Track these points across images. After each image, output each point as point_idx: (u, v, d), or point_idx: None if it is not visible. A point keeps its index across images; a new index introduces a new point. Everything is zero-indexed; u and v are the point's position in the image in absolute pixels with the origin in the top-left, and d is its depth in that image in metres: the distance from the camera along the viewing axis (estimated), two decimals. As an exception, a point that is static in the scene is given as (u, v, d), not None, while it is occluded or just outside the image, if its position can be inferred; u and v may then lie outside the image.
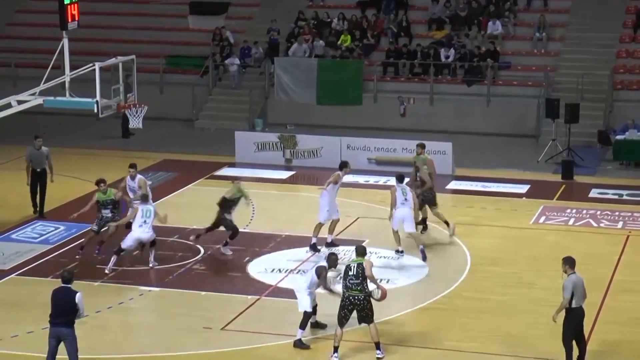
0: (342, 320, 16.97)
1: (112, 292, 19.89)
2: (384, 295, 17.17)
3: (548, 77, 34.56)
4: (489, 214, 25.41)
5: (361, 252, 17.35)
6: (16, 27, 41.27)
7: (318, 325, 18.17)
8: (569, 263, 16.57)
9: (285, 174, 29.48)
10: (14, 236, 23.54)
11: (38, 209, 25.06)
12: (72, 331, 15.67)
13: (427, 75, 35.65)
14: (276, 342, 17.82)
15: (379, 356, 17.06)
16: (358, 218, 24.73)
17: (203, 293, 19.97)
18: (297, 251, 22.43)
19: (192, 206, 25.86)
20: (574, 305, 16.31)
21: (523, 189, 27.69)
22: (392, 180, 26.10)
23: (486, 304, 19.55)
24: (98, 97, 22.34)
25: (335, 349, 16.98)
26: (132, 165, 22.98)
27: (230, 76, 37.19)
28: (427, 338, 17.91)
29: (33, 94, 23.04)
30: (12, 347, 17.38)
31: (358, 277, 16.90)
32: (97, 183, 22.20)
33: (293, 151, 30.60)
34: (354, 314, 17.00)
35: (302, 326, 17.57)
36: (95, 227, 21.97)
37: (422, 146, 24.30)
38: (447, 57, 35.97)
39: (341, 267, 17.58)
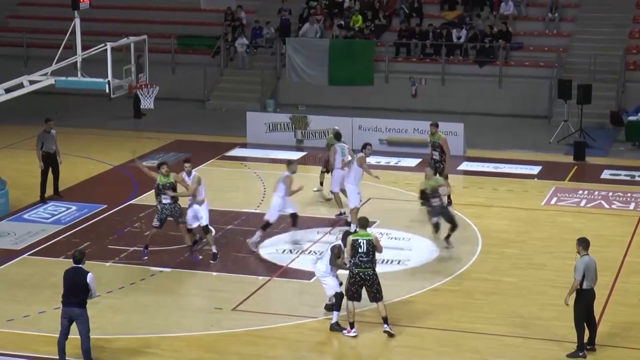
0: (354, 296, 17.04)
1: (123, 273, 19.95)
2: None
3: (560, 58, 34.44)
4: (500, 195, 25.37)
5: (364, 224, 17.34)
6: (28, 7, 41.29)
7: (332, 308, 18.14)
8: (583, 244, 16.57)
9: (296, 155, 29.44)
10: (25, 216, 23.60)
11: (54, 189, 25.08)
12: (84, 311, 15.73)
13: (439, 55, 35.56)
14: (287, 322, 17.85)
15: (387, 329, 17.17)
16: (369, 199, 24.71)
17: (214, 274, 20.00)
18: (308, 232, 22.44)
19: (203, 187, 25.82)
20: (585, 286, 16.30)
21: (535, 170, 27.65)
22: (404, 161, 26.31)
23: (497, 285, 19.54)
24: (110, 78, 22.28)
25: (352, 325, 17.11)
26: (188, 160, 21.29)
27: (239, 57, 37.13)
28: (438, 319, 17.93)
29: (45, 74, 23.01)
30: (24, 327, 17.44)
31: (368, 254, 16.96)
32: (159, 166, 20.76)
33: (304, 132, 30.58)
34: (364, 290, 17.09)
35: (337, 308, 17.48)
36: (157, 222, 20.58)
37: (436, 125, 24.27)
38: (459, 37, 35.85)
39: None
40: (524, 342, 17.05)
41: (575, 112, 30.93)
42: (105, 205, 24.23)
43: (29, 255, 21.06)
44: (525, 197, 25.20)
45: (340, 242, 17.64)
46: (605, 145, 30.52)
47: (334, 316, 17.52)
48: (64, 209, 24.08)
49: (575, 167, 28.31)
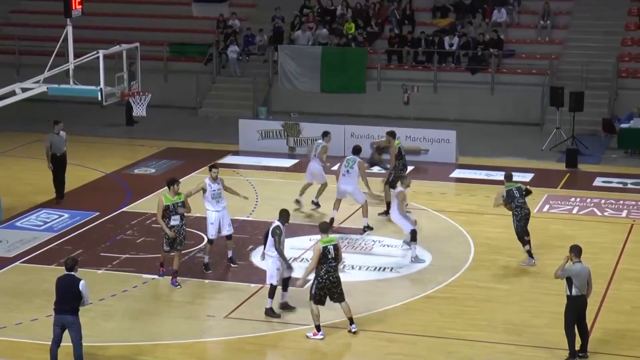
0: (321, 300, 17.30)
1: (116, 280, 19.91)
2: None
3: (552, 65, 34.49)
4: (492, 202, 25.34)
5: (326, 229, 17.56)
6: (20, 15, 41.25)
7: (286, 307, 18.54)
8: (574, 251, 16.65)
9: (288, 162, 29.45)
10: (18, 224, 23.54)
11: (58, 193, 25.31)
12: (76, 319, 15.72)
13: (431, 63, 35.59)
14: (279, 330, 17.85)
15: (354, 330, 17.37)
16: (362, 206, 24.68)
17: (207, 281, 19.98)
18: (300, 239, 22.42)
19: (196, 194, 25.77)
20: (574, 293, 16.33)
21: (527, 177, 27.60)
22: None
23: (489, 293, 19.54)
24: (102, 85, 22.30)
25: (318, 327, 17.32)
26: (215, 166, 20.93)
27: (231, 64, 37.12)
28: (430, 326, 17.91)
29: (37, 82, 23.02)
30: (16, 335, 17.40)
31: (336, 259, 17.27)
32: (171, 184, 19.52)
33: (297, 139, 30.57)
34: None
35: (271, 295, 18.19)
36: (166, 248, 19.66)
37: (393, 135, 24.71)
38: (451, 45, 35.90)
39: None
40: (517, 350, 17.03)
41: (568, 120, 30.97)
42: (98, 213, 24.20)
43: (21, 262, 21.01)
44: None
45: (278, 222, 18.25)
46: (598, 153, 30.56)
47: (268, 302, 18.12)
48: (56, 216, 24.03)
49: (568, 174, 28.32)
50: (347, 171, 23.12)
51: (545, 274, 20.42)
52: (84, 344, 15.83)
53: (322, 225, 17.68)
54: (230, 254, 20.78)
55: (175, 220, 19.48)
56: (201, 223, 22.94)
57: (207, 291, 19.58)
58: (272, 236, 18.20)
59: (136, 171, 28.37)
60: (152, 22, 39.32)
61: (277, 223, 18.38)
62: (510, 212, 21.20)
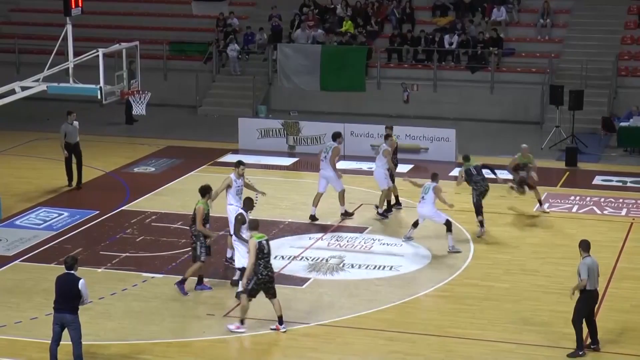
0: (255, 295, 17.42)
1: (115, 279, 19.88)
2: None
3: (552, 64, 34.47)
4: (492, 201, 25.28)
5: (255, 226, 17.64)
6: (20, 13, 41.23)
7: (237, 283, 18.85)
8: (583, 246, 16.73)
9: (288, 161, 29.44)
10: (17, 222, 23.52)
11: (75, 181, 25.89)
12: (76, 318, 15.70)
13: (431, 61, 35.57)
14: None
15: (283, 330, 17.47)
16: (361, 205, 24.72)
17: (206, 279, 19.94)
18: (300, 238, 22.42)
19: (195, 193, 25.70)
20: (588, 287, 16.39)
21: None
22: (399, 167, 26.27)
23: (489, 291, 19.53)
24: (102, 84, 22.28)
25: (242, 321, 17.49)
26: (243, 163, 20.76)
27: (231, 62, 37.10)
28: (430, 325, 17.90)
29: (37, 80, 23.00)
30: (16, 333, 17.38)
31: (270, 254, 17.38)
32: (207, 191, 19.48)
33: (296, 138, 30.55)
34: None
35: (241, 278, 18.41)
36: (203, 258, 19.29)
37: (392, 127, 25.46)
38: (450, 43, 35.89)
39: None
40: (517, 348, 17.02)
41: (567, 118, 30.94)
42: (98, 211, 24.18)
43: (20, 261, 20.98)
44: (517, 202, 25.17)
45: (242, 210, 18.61)
46: (597, 151, 30.54)
47: (240, 286, 18.29)
48: (56, 215, 24.02)
49: (567, 173, 28.31)
50: (325, 157, 23.33)
51: (545, 272, 20.47)
52: (83, 342, 15.81)
53: (252, 224, 17.80)
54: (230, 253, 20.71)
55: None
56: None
57: (207, 290, 19.52)
58: (235, 223, 18.71)
59: (136, 170, 28.36)
60: (151, 21, 39.32)
61: (240, 210, 18.86)
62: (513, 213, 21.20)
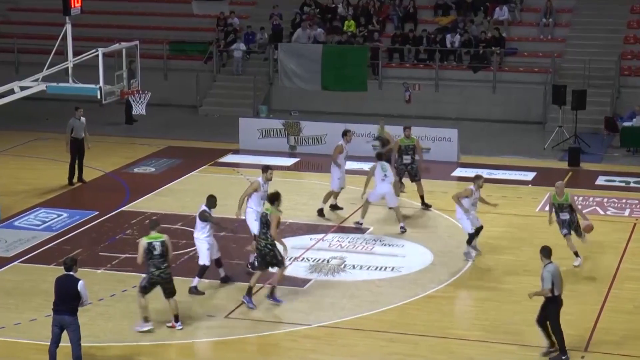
0: (147, 291, 17.50)
1: (115, 280, 19.80)
2: None
3: (554, 63, 34.38)
4: (494, 201, 25.16)
5: (153, 226, 17.66)
6: (19, 13, 41.14)
7: (227, 280, 19.41)
8: (544, 252, 16.48)
9: (289, 161, 29.33)
10: (16, 223, 23.43)
11: (79, 176, 26.14)
12: (75, 319, 15.66)
13: (433, 61, 35.46)
14: (279, 330, 17.77)
15: (179, 328, 17.54)
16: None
17: (207, 281, 19.84)
18: (301, 238, 22.32)
19: (196, 193, 25.75)
20: (556, 293, 16.21)
21: (529, 176, 27.55)
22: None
23: (491, 293, 19.44)
24: (101, 83, 22.27)
25: (146, 319, 17.46)
26: (271, 167, 20.57)
27: (234, 62, 37.02)
28: (432, 326, 17.81)
29: (36, 80, 22.96)
30: (15, 335, 17.30)
31: (163, 255, 17.33)
32: (276, 198, 18.67)
33: (297, 138, 30.45)
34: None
35: (200, 275, 19.07)
36: (286, 263, 19.23)
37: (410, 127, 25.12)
38: (452, 43, 35.78)
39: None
40: (518, 350, 16.95)
41: (570, 118, 30.84)
42: (97, 212, 24.08)
43: (19, 262, 20.91)
44: (519, 203, 25.10)
45: (204, 206, 19.01)
46: (600, 151, 30.43)
47: (194, 281, 18.89)
48: (55, 215, 23.92)
49: (570, 173, 28.16)
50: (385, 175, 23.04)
51: (547, 273, 20.34)
52: (82, 344, 15.76)
53: (151, 223, 17.90)
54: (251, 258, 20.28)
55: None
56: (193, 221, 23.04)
57: (208, 291, 19.43)
58: (201, 220, 18.94)
59: (136, 170, 28.27)
60: (151, 20, 39.23)
61: (203, 207, 19.06)
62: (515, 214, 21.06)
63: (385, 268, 20.68)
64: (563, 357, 16.38)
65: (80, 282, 15.62)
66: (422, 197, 24.53)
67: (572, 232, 20.81)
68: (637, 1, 36.60)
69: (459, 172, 28.24)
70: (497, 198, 24.93)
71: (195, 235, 19.29)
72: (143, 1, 40.35)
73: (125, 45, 23.18)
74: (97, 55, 22.32)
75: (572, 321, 17.94)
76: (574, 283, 19.76)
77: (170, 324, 17.66)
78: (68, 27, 22.77)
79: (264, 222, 18.37)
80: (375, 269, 20.65)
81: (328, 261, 21.03)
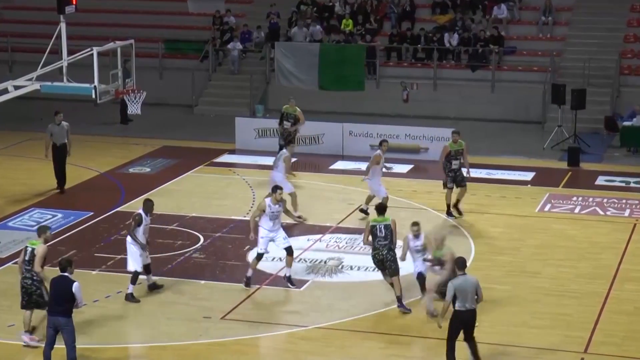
0: (22, 302, 16.98)
1: (110, 281, 19.63)
2: None
3: (554, 62, 34.24)
4: (493, 201, 25.14)
5: (40, 232, 17.22)
6: (13, 11, 40.94)
7: (155, 287, 19.02)
8: (458, 264, 15.98)
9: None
10: (10, 224, 23.29)
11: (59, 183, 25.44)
12: (69, 321, 15.58)
13: (431, 60, 35.29)
14: (276, 331, 17.64)
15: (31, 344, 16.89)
16: (361, 206, 24.42)
17: (202, 282, 19.72)
18: (298, 239, 22.14)
19: (191, 193, 25.65)
20: (457, 308, 15.60)
21: (528, 176, 27.40)
22: (396, 167, 25.97)
23: (490, 293, 19.15)
24: (96, 83, 22.23)
25: (31, 331, 17.00)
26: (280, 187, 19.95)
27: (231, 61, 36.84)
28: (429, 327, 17.60)
29: (30, 79, 22.87)
30: (9, 337, 17.17)
31: (29, 262, 16.78)
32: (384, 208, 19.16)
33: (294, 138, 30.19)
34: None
35: (133, 282, 18.67)
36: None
37: (459, 132, 23.94)
38: (450, 42, 35.60)
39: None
40: (519, 351, 16.82)
41: (569, 118, 30.70)
42: (92, 213, 23.91)
43: (13, 263, 20.65)
44: (518, 203, 24.95)
45: (141, 210, 18.65)
46: (600, 151, 30.28)
47: (129, 288, 18.55)
48: (49, 216, 23.76)
49: (570, 173, 28.04)
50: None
51: (546, 274, 20.30)
52: (77, 346, 15.64)
53: (39, 230, 17.43)
54: (288, 272, 19.80)
55: None
56: (196, 223, 22.79)
57: (203, 292, 19.32)
58: (132, 222, 18.71)
59: (131, 170, 28.11)
60: (147, 19, 39.01)
61: (139, 211, 18.78)
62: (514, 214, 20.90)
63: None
64: None
65: (75, 284, 15.53)
66: (457, 202, 23.69)
67: None
68: (637, 0, 36.42)
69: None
70: (496, 198, 24.87)
71: (128, 240, 18.78)
72: None
73: (120, 44, 23.07)
74: (92, 54, 22.25)
75: (572, 322, 17.88)
76: (573, 284, 19.66)
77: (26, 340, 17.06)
78: (62, 26, 22.69)
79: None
80: (373, 270, 20.40)
81: (325, 262, 20.85)
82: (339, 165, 28.45)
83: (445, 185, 23.62)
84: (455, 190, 23.66)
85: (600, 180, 27.12)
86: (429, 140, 29.33)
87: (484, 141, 31.19)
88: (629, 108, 32.00)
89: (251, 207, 24.25)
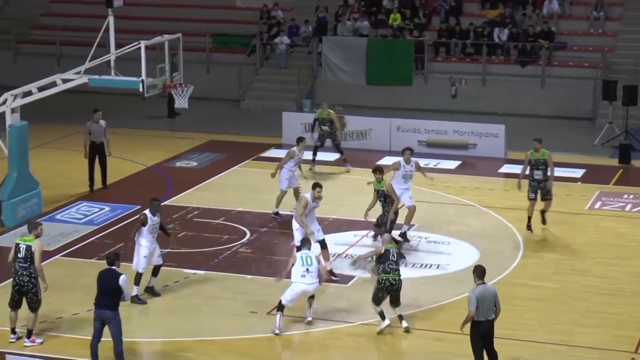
0: (12, 301, 16.79)
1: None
2: None
3: (605, 58, 33.82)
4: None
5: (30, 228, 16.92)
6: (61, 5, 41.17)
7: (153, 292, 18.74)
8: (477, 272, 15.56)
9: (333, 156, 29.03)
10: (58, 216, 23.42)
11: (102, 181, 25.37)
12: (116, 314, 15.64)
13: (480, 55, 35.01)
14: (323, 327, 17.56)
15: (26, 344, 16.67)
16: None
17: (249, 277, 19.70)
18: (344, 235, 22.05)
19: (238, 188, 25.66)
20: (477, 318, 15.26)
21: (578, 173, 27.08)
22: (443, 163, 25.85)
23: (538, 291, 19.18)
24: (143, 76, 22.22)
25: (13, 330, 16.87)
26: (319, 185, 19.88)
27: (279, 55, 36.80)
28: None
29: (78, 73, 22.93)
30: (56, 329, 17.25)
31: (24, 260, 16.51)
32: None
33: (341, 132, 30.09)
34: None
35: (136, 282, 18.42)
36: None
37: (540, 141, 22.66)
38: (500, 37, 35.29)
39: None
40: (567, 350, 16.66)
41: (621, 114, 30.33)
42: (139, 206, 23.90)
43: (61, 256, 20.91)
44: (568, 200, 24.66)
45: (147, 211, 18.43)
46: (652, 148, 29.89)
47: (134, 290, 18.25)
48: (97, 209, 23.87)
49: (621, 170, 27.73)
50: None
51: (595, 272, 20.14)
52: (124, 339, 15.70)
53: (29, 225, 17.18)
54: (329, 265, 19.82)
55: None
56: (243, 218, 22.78)
57: (249, 287, 19.32)
58: (137, 223, 18.58)
59: (178, 164, 28.18)
60: (194, 13, 39.10)
61: (145, 211, 18.68)
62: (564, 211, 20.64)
63: (430, 265, 20.40)
64: None
65: (122, 277, 15.60)
66: (543, 211, 22.45)
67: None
68: (690, -6, 35.94)
69: (506, 168, 27.81)
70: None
71: (137, 240, 18.58)
72: (186, -6, 40.28)
73: (167, 37, 23.06)
74: (140, 48, 22.23)
75: (622, 321, 17.68)
76: (624, 282, 19.44)
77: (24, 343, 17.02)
78: (110, 20, 22.73)
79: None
80: (420, 266, 20.40)
81: (372, 258, 20.70)
82: (387, 160, 28.24)
83: (528, 197, 22.39)
84: (540, 202, 22.50)
85: (652, 178, 26.82)
86: (477, 136, 29.12)
87: (533, 137, 30.81)
88: (681, 104, 31.54)
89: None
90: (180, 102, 23.55)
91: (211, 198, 24.79)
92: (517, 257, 20.91)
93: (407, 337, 17.03)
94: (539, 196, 22.22)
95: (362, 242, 21.67)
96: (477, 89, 34.63)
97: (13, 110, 22.91)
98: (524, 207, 23.32)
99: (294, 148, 23.37)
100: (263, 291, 18.99)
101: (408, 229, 21.70)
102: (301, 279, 17.26)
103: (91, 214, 23.53)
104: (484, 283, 15.46)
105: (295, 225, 19.60)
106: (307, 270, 17.27)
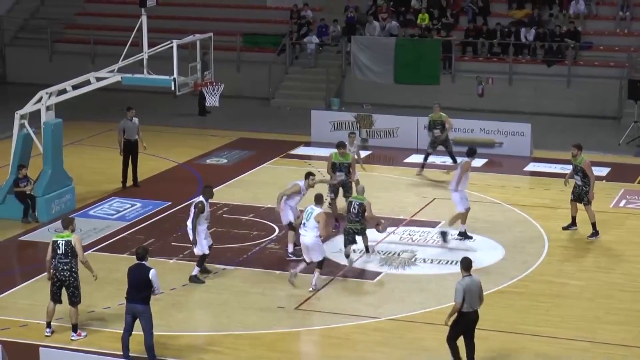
0: (54, 297, 16.96)
1: (187, 270, 19.83)
2: None
3: (631, 58, 33.84)
4: (567, 196, 24.81)
5: (65, 225, 17.09)
6: (95, 5, 41.59)
7: (206, 271, 19.55)
8: (464, 265, 15.73)
9: (361, 154, 29.17)
10: (91, 212, 23.71)
11: (132, 179, 25.60)
12: (147, 308, 15.77)
13: (507, 55, 35.13)
14: (349, 322, 17.72)
15: (73, 338, 16.92)
16: (434, 199, 24.49)
17: (277, 272, 19.90)
18: (372, 231, 22.22)
19: (267, 185, 25.81)
20: (464, 309, 15.48)
21: (603, 171, 27.08)
22: (473, 161, 25.90)
23: (563, 289, 19.22)
24: (175, 75, 22.35)
25: (48, 324, 17.06)
26: (312, 174, 20.81)
27: (308, 54, 37.06)
28: (502, 321, 17.67)
29: (111, 71, 23.15)
30: (88, 323, 17.48)
31: (65, 255, 16.70)
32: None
33: (369, 131, 30.38)
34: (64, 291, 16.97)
35: (200, 264, 19.31)
36: None
37: (579, 147, 22.18)
38: (527, 36, 35.40)
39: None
40: (592, 347, 16.76)
41: (646, 114, 30.41)
42: (170, 203, 24.26)
43: (94, 251, 21.11)
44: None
45: (202, 198, 19.10)
46: (677, 148, 29.94)
47: (195, 270, 19.23)
48: (128, 205, 24.16)
49: (645, 169, 27.80)
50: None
51: (620, 270, 20.14)
52: (154, 333, 15.88)
53: (63, 221, 17.33)
54: (290, 247, 20.82)
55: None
56: (272, 214, 22.95)
57: (277, 282, 19.50)
58: (193, 209, 19.08)
59: (208, 161, 28.43)
60: (225, 12, 39.41)
61: (200, 198, 19.20)
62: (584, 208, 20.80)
63: (456, 262, 20.35)
64: None
65: (152, 271, 15.74)
66: (593, 224, 22.12)
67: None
68: None
69: (532, 166, 27.95)
70: (569, 193, 24.61)
71: (189, 225, 19.20)
72: (217, -7, 40.61)
73: (199, 37, 23.25)
74: (172, 47, 22.42)
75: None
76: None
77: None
78: (143, 19, 22.91)
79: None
80: (446, 263, 20.53)
81: (399, 254, 20.97)
82: (414, 158, 28.48)
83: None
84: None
85: (677, 177, 26.85)
86: (503, 135, 29.25)
87: (559, 136, 30.98)
88: None
89: (326, 197, 24.43)
90: (211, 100, 23.75)
91: (240, 195, 25.03)
92: (541, 255, 20.96)
93: (433, 333, 17.11)
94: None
95: (389, 239, 21.78)
96: (503, 88, 34.73)
97: (48, 108, 23.19)
98: (549, 205, 23.52)
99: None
100: (290, 286, 19.13)
101: (464, 229, 21.78)
102: (302, 228, 19.00)
103: (123, 210, 23.83)
104: (470, 275, 15.65)
105: (285, 208, 20.43)
106: (304, 224, 18.96)
